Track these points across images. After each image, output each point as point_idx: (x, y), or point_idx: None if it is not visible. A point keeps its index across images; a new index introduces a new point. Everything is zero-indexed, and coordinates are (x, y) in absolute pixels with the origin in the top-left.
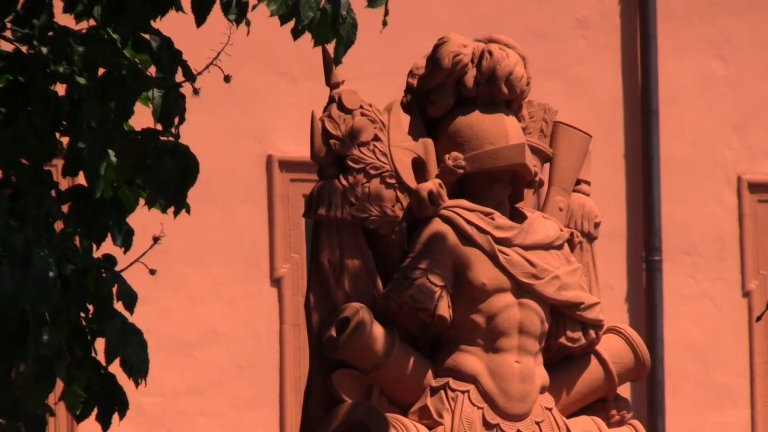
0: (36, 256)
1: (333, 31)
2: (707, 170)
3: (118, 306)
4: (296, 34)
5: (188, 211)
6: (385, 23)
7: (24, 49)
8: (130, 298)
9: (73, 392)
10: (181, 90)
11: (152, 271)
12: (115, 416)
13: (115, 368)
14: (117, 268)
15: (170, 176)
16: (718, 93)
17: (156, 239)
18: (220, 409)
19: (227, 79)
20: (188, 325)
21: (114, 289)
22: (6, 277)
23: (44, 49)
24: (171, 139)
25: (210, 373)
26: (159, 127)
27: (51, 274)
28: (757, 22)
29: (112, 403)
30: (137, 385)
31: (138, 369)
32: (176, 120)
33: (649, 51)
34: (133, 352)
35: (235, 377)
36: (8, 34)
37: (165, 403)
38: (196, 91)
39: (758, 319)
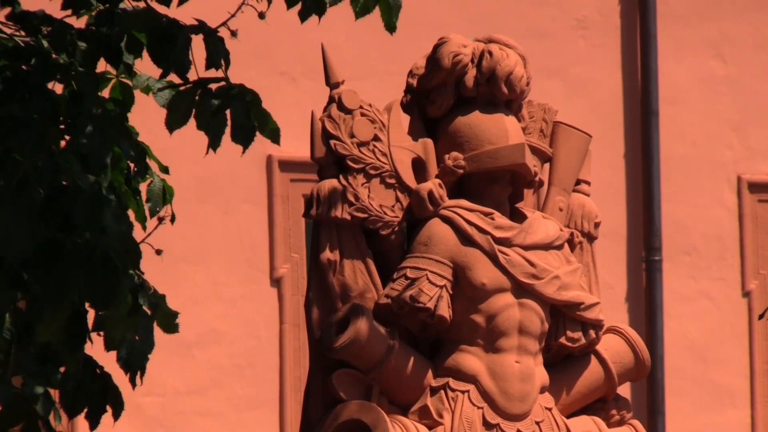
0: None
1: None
2: (707, 170)
3: None
4: (361, 13)
5: (276, 140)
6: None
7: (23, 42)
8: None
9: (167, 314)
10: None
11: (158, 251)
12: (109, 417)
13: (111, 367)
14: None
15: (236, 118)
16: (718, 93)
17: (161, 220)
18: (220, 409)
19: (262, 15)
20: (188, 325)
21: None
22: (111, 220)
23: (45, 42)
24: (223, 84)
25: (210, 373)
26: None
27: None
28: (757, 22)
29: (104, 402)
30: (134, 385)
31: (137, 356)
32: (223, 64)
33: (649, 51)
34: (136, 339)
35: (235, 377)
36: (7, 29)
37: (165, 403)
38: (233, 33)
39: (761, 317)
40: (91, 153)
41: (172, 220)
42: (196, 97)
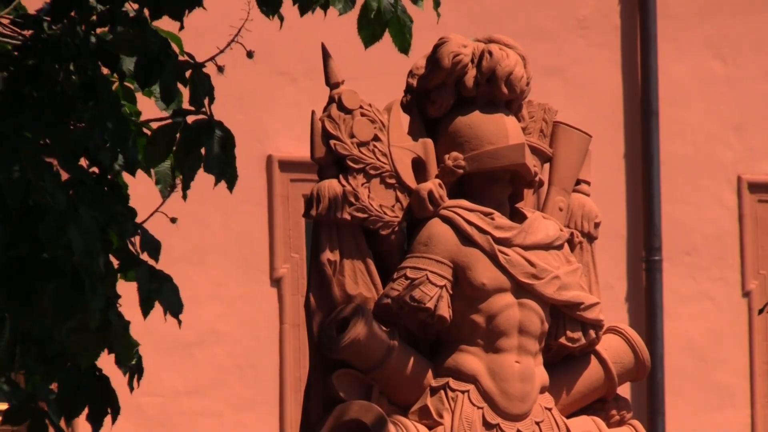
0: (82, 211)
1: (381, 25)
2: (707, 170)
3: (143, 257)
4: (370, 41)
5: (230, 187)
6: (438, 14)
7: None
8: (153, 247)
9: (130, 343)
10: (205, 70)
11: (173, 220)
12: (108, 420)
13: (109, 371)
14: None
15: (212, 153)
16: (718, 93)
17: (173, 187)
18: (220, 409)
19: (250, 54)
20: (188, 325)
21: (137, 240)
22: (77, 238)
23: (48, 33)
24: (204, 117)
25: (210, 373)
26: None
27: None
28: (757, 22)
29: (104, 404)
30: (131, 389)
31: (173, 312)
32: (206, 100)
33: (649, 51)
34: (167, 298)
35: (235, 377)
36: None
37: (165, 403)
38: (220, 69)
39: (761, 311)
40: (109, 131)
41: (184, 194)
42: (177, 135)
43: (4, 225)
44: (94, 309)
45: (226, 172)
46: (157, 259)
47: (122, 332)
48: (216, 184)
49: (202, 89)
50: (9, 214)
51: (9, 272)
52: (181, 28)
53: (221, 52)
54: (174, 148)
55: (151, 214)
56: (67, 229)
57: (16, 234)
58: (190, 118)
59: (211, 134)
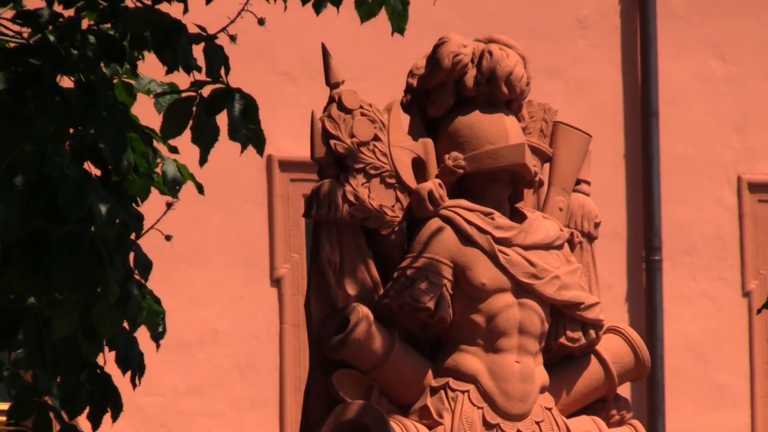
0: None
1: (378, 3)
2: (707, 170)
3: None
4: (366, 17)
5: (260, 151)
6: None
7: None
8: (145, 267)
9: (155, 310)
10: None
11: (168, 237)
12: (108, 417)
13: (112, 369)
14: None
15: (234, 119)
16: (718, 93)
17: (169, 205)
18: (220, 409)
19: (261, 22)
20: (188, 325)
21: (131, 257)
22: (97, 204)
23: (52, 37)
24: (221, 85)
25: (210, 373)
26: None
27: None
28: (757, 22)
29: (105, 402)
30: (134, 386)
31: (134, 357)
32: (222, 71)
33: (649, 51)
34: (149, 318)
35: (235, 377)
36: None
37: (165, 403)
38: (233, 39)
39: (759, 311)
40: (107, 141)
41: (201, 191)
42: (194, 108)
43: (19, 201)
44: (113, 283)
45: (251, 137)
46: (146, 279)
47: (145, 301)
48: (242, 151)
49: (217, 60)
50: (24, 189)
51: (26, 248)
52: (185, 11)
53: (232, 21)
54: (191, 121)
55: (147, 231)
56: (86, 196)
57: (32, 210)
58: (208, 88)
59: (231, 101)
